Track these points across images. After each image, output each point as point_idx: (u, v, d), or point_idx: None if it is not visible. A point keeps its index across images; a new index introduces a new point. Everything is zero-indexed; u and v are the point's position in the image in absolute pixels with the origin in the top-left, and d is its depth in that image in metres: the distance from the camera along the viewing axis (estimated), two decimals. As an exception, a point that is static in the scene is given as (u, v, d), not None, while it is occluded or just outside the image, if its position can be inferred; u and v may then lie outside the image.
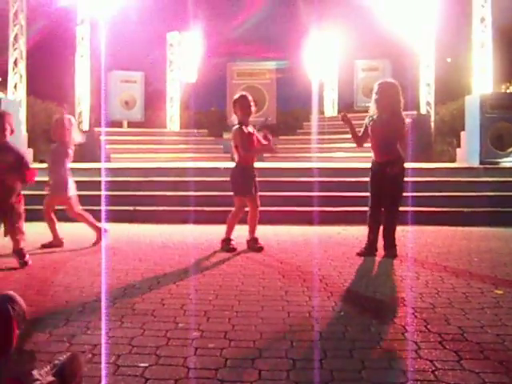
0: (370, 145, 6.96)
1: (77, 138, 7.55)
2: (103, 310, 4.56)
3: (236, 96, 7.35)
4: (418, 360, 3.48)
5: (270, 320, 4.31)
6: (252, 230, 7.26)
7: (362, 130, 6.99)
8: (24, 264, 6.26)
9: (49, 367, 2.94)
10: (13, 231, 6.36)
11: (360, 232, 7.05)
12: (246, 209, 7.29)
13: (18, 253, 6.34)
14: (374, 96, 6.89)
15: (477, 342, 3.80)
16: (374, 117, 6.85)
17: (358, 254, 6.81)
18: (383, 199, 6.80)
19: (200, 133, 16.75)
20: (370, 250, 6.84)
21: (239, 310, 4.57)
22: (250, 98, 7.27)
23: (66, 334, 4.00)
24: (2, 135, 6.25)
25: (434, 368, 3.36)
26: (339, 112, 8.44)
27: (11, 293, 2.87)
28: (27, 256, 6.35)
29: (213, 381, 3.21)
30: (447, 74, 16.93)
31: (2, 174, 6.16)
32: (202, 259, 6.66)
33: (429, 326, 4.13)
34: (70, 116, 7.69)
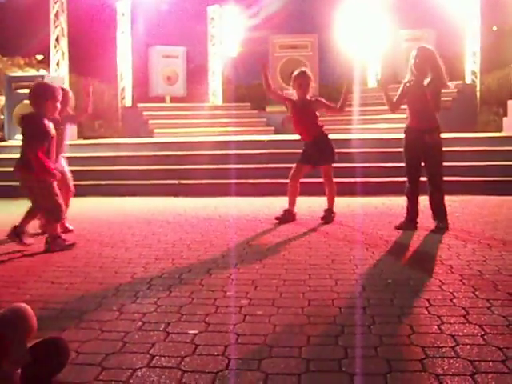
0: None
1: None
2: (151, 280, 4.63)
3: (295, 72, 7.12)
4: (467, 325, 3.46)
5: (318, 288, 4.32)
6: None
7: (398, 93, 6.73)
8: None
9: None
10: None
11: (406, 202, 6.97)
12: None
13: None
14: (412, 61, 6.63)
15: (527, 308, 3.77)
16: (412, 82, 6.54)
17: (397, 228, 6.59)
18: (421, 169, 6.63)
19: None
20: (409, 223, 6.61)
21: (286, 279, 4.59)
22: (310, 73, 7.14)
23: (115, 303, 4.07)
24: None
25: (483, 332, 3.34)
26: (379, 83, 8.22)
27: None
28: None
29: (262, 346, 3.24)
30: (493, 42, 16.57)
31: None
32: (247, 230, 6.69)
33: (477, 293, 4.10)
34: None
